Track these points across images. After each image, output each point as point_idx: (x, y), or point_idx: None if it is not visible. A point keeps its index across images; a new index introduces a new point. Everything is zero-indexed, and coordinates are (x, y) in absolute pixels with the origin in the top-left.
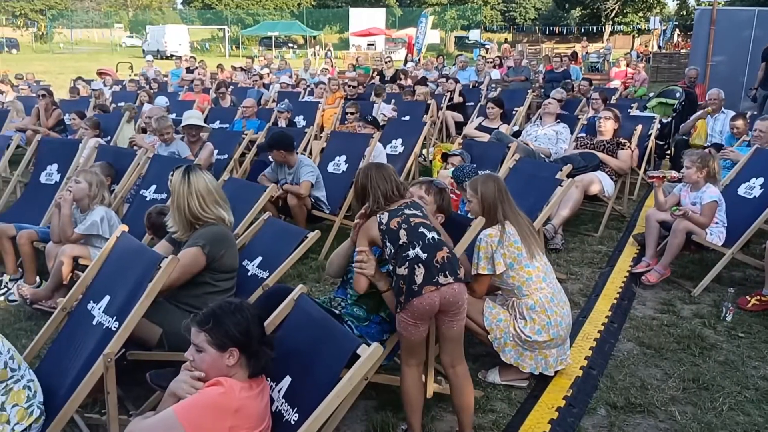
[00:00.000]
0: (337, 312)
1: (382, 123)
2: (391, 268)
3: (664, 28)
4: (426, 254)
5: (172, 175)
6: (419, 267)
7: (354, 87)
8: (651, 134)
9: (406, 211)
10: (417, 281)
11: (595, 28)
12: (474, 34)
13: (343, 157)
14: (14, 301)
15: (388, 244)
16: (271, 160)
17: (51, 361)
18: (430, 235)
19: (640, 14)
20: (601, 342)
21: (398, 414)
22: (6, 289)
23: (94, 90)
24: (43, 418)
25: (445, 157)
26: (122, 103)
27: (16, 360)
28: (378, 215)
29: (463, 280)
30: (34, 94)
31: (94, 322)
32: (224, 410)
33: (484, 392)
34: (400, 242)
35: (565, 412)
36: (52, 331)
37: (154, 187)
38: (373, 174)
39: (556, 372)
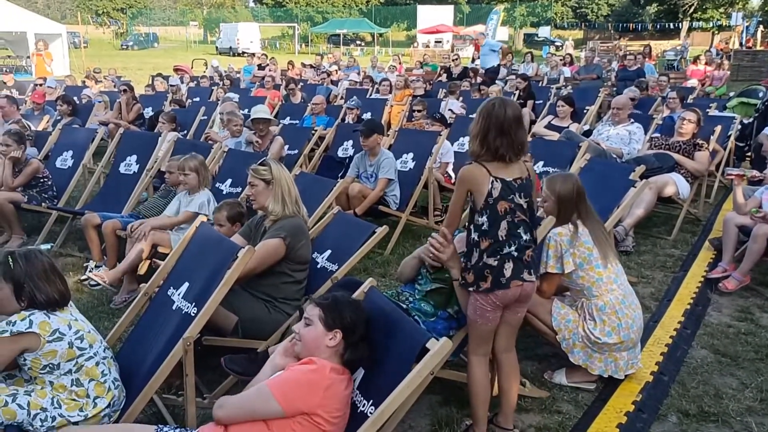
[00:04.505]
0: (404, 306)
1: (450, 120)
2: (474, 238)
3: (747, 24)
4: (518, 253)
5: (252, 168)
6: (509, 262)
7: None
8: (730, 135)
9: (516, 200)
10: (506, 275)
11: (671, 24)
12: (544, 31)
13: (411, 155)
14: (96, 285)
15: (486, 214)
16: (340, 156)
17: (133, 344)
18: (526, 237)
19: (721, 10)
20: (672, 348)
21: (462, 410)
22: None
23: (171, 86)
24: (124, 395)
25: None
26: (197, 98)
27: (87, 340)
28: (491, 177)
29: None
30: (116, 89)
31: (174, 307)
32: (315, 386)
33: (551, 393)
34: (498, 235)
35: (635, 417)
36: (134, 316)
37: (229, 180)
38: (510, 113)
39: (625, 376)
